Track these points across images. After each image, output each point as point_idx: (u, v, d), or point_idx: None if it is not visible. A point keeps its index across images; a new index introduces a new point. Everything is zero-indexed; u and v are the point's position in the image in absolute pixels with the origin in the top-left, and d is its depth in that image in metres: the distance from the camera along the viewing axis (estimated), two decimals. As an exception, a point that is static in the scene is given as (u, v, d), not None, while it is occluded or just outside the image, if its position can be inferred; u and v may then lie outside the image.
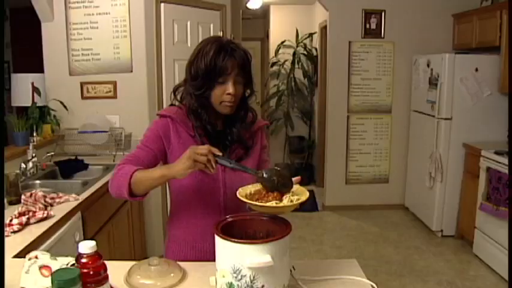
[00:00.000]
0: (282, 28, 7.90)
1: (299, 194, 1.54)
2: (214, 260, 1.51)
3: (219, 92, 1.70)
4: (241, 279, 1.37)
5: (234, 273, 1.37)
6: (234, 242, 1.36)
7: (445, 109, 4.84)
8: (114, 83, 4.10)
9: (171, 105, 1.86)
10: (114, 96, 4.12)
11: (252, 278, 1.36)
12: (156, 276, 1.59)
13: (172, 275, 1.61)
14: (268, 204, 1.46)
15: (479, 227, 4.44)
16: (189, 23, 4.41)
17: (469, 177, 4.74)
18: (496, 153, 4.21)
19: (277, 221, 1.50)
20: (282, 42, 7.71)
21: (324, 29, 6.57)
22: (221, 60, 1.66)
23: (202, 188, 1.76)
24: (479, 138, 4.81)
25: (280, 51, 7.74)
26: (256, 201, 1.48)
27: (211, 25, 4.65)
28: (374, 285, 1.59)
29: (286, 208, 1.47)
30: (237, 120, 1.81)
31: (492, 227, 4.20)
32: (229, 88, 1.69)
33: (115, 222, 3.35)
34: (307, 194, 1.53)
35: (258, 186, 1.58)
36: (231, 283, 1.38)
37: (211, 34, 4.61)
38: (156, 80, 4.17)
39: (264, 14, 8.65)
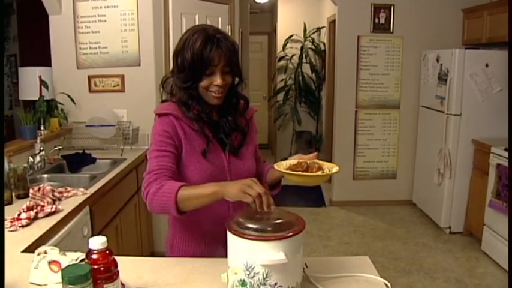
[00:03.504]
0: (289, 22, 7.87)
1: (330, 166, 1.66)
2: (223, 256, 1.51)
3: (206, 84, 1.67)
4: (253, 276, 1.35)
5: (247, 270, 1.35)
6: (247, 238, 1.34)
7: (455, 105, 4.79)
8: (122, 77, 4.09)
9: (163, 101, 1.81)
10: (122, 90, 4.10)
11: (265, 275, 1.34)
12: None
13: None
14: (314, 173, 1.60)
15: (488, 224, 4.40)
16: (197, 17, 4.38)
17: (478, 174, 4.70)
18: (506, 149, 4.16)
19: (289, 217, 1.47)
20: (290, 37, 7.69)
21: (332, 23, 6.54)
22: (208, 51, 1.62)
23: (211, 180, 1.69)
24: (489, 134, 4.76)
25: (288, 45, 7.72)
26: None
27: (220, 19, 4.63)
28: (388, 283, 1.56)
29: (327, 176, 1.63)
30: (231, 108, 1.80)
31: (501, 224, 4.16)
32: (217, 80, 1.66)
33: (123, 216, 3.34)
34: (337, 166, 1.66)
35: (292, 162, 1.67)
36: (244, 280, 1.37)
37: (219, 28, 4.58)
38: (164, 73, 4.13)
39: (271, 8, 8.63)
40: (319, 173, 1.61)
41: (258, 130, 1.98)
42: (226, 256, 1.48)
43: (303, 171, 1.60)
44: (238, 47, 1.74)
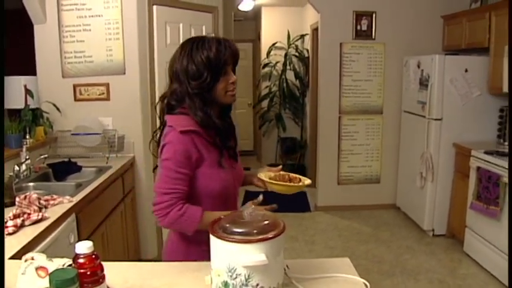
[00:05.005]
0: (273, 30, 7.97)
1: (304, 179, 1.92)
2: None
3: (223, 84, 1.79)
4: (236, 277, 1.39)
5: (229, 272, 1.40)
6: (230, 241, 1.39)
7: (436, 110, 4.88)
8: (107, 85, 4.11)
9: (168, 113, 1.82)
10: (107, 98, 4.13)
11: (247, 276, 1.39)
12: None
13: None
14: (300, 184, 1.88)
15: (469, 226, 4.49)
16: (181, 25, 4.43)
17: (459, 177, 4.80)
18: (486, 152, 4.26)
19: (270, 220, 1.52)
20: (274, 44, 7.76)
21: (315, 30, 6.61)
22: (223, 53, 1.76)
23: (229, 187, 1.86)
24: (469, 138, 4.86)
25: (272, 52, 7.80)
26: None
27: (204, 27, 4.67)
28: (366, 283, 1.61)
29: (304, 186, 1.89)
30: (228, 109, 1.94)
31: (482, 226, 4.25)
32: (233, 77, 1.82)
33: (109, 223, 3.36)
34: (309, 180, 1.93)
35: (270, 174, 1.93)
36: (226, 282, 1.41)
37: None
38: (149, 82, 4.18)
39: (255, 16, 8.69)
40: (301, 184, 1.88)
41: None
42: None
43: (289, 182, 1.89)
44: None
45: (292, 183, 1.87)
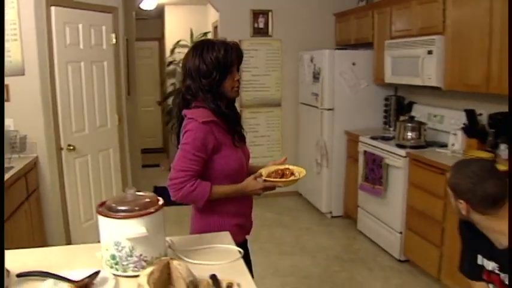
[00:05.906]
0: (177, 28, 8.13)
1: (299, 171, 2.17)
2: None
3: (230, 81, 2.08)
4: (121, 250, 1.60)
5: (115, 245, 1.60)
6: (114, 218, 1.59)
7: (327, 100, 5.28)
8: (7, 86, 4.10)
9: (187, 107, 2.11)
10: (7, 99, 4.11)
11: (131, 248, 1.60)
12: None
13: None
14: (291, 178, 2.12)
15: (361, 206, 4.92)
16: (80, 26, 4.48)
17: (350, 161, 5.22)
18: (372, 138, 4.70)
19: (150, 198, 1.72)
20: (178, 42, 7.91)
21: (216, 28, 6.85)
22: (230, 55, 2.05)
23: (242, 165, 2.17)
24: (359, 125, 5.31)
25: (176, 50, 7.94)
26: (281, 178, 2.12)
27: (104, 27, 4.75)
28: (241, 250, 1.88)
29: (299, 179, 2.15)
30: (233, 102, 2.21)
31: (370, 204, 4.69)
32: (237, 75, 2.12)
33: (12, 223, 3.39)
34: (303, 169, 2.19)
35: (270, 169, 2.19)
36: (114, 255, 1.62)
37: (104, 36, 4.73)
38: (49, 82, 4.22)
39: (159, 15, 8.79)
40: (292, 177, 2.12)
41: None
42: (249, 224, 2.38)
43: (281, 177, 2.12)
44: None
45: (284, 179, 2.11)
